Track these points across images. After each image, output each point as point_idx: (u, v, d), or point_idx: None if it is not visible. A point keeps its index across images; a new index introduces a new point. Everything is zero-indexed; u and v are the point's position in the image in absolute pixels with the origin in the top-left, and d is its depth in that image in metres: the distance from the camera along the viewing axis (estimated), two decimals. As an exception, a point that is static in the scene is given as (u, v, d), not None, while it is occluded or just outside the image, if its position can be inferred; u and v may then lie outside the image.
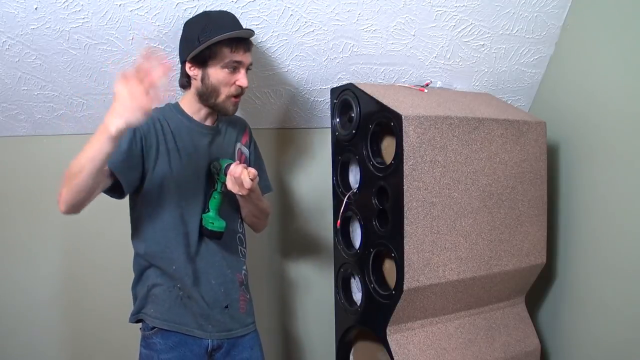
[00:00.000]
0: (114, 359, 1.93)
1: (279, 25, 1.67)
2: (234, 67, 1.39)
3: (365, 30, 1.75)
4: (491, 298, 1.70)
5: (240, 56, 1.39)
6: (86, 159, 1.15)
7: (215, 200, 1.44)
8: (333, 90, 1.73)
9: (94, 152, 1.14)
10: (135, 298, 1.45)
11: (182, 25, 1.48)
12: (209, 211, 1.43)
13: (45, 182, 1.85)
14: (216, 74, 1.38)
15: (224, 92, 1.40)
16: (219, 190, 1.45)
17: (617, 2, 1.69)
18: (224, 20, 1.43)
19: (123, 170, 1.30)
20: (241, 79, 1.40)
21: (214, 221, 1.42)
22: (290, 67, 1.79)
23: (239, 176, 1.33)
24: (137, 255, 1.44)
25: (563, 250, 1.90)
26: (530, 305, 1.89)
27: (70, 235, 1.90)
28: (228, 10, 1.52)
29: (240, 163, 1.43)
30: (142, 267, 1.43)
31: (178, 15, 1.56)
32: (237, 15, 1.60)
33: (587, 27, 1.80)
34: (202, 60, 1.38)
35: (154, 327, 1.40)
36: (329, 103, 1.77)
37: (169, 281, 1.40)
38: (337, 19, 1.70)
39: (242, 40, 1.40)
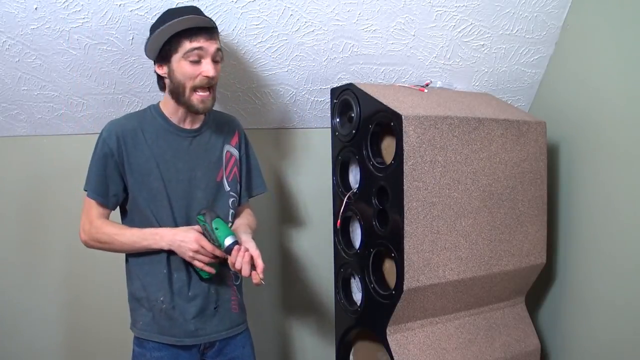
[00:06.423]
0: (112, 357, 1.93)
1: (279, 25, 1.67)
2: (198, 57, 1.31)
3: (365, 30, 1.75)
4: (491, 298, 1.70)
5: (201, 43, 1.30)
6: (120, 245, 1.37)
7: (215, 266, 1.39)
8: (333, 90, 1.73)
9: (132, 246, 1.37)
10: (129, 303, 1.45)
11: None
12: None
13: (45, 182, 1.85)
14: (179, 66, 1.31)
15: (188, 86, 1.32)
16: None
17: (617, 2, 1.69)
18: (182, 11, 1.34)
19: (108, 197, 1.40)
20: (205, 67, 1.31)
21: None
22: (290, 67, 1.79)
23: (243, 270, 1.29)
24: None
25: (563, 250, 1.90)
26: (530, 305, 1.89)
27: (70, 234, 1.89)
28: (205, 8, 1.48)
29: (241, 246, 1.31)
30: (131, 273, 1.44)
31: (178, 15, 1.56)
32: (237, 16, 1.61)
33: (587, 27, 1.80)
34: (165, 56, 1.33)
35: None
36: (329, 103, 1.77)
37: (153, 293, 1.38)
38: (337, 19, 1.70)
39: (202, 28, 1.31)
